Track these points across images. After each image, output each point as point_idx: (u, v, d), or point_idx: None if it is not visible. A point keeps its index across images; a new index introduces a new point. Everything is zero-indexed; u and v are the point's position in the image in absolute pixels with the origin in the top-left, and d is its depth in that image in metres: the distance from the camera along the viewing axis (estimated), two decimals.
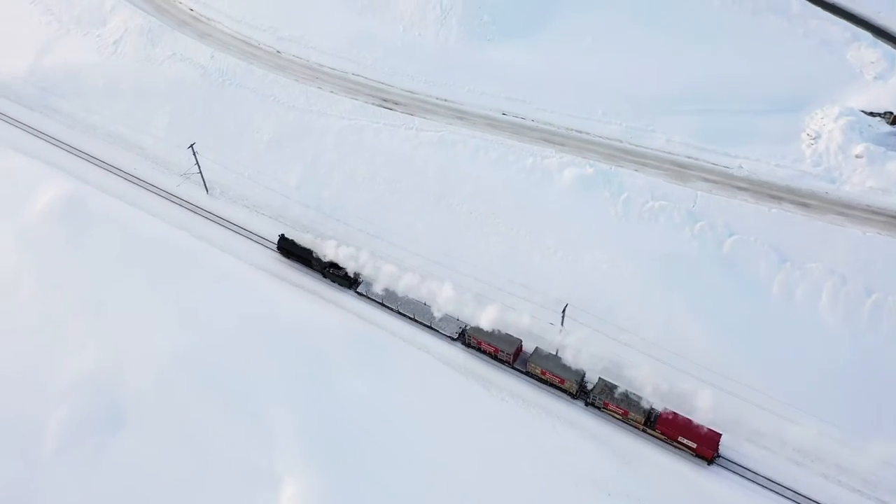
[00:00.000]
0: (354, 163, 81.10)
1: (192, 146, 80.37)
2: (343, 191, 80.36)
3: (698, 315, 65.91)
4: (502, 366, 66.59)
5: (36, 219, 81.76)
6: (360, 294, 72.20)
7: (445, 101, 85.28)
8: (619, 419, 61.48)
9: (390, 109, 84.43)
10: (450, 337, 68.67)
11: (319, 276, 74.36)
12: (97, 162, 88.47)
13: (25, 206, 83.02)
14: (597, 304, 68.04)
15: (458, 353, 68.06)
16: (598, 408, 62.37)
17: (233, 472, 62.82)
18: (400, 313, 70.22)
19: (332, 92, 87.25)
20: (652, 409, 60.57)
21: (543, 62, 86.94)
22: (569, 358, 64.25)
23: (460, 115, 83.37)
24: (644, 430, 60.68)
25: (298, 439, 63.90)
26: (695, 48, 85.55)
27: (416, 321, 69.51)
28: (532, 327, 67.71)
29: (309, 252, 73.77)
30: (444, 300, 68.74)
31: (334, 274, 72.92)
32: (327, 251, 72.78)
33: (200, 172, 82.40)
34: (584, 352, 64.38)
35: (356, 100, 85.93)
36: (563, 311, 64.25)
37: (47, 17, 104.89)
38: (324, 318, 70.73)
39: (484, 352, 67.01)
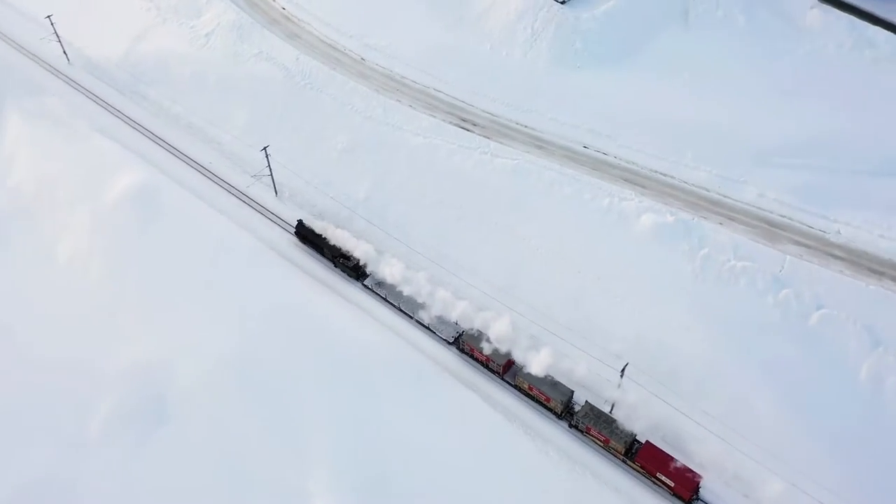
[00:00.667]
0: (424, 182, 78.96)
1: (265, 149, 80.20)
2: (410, 209, 78.38)
3: (772, 392, 60.33)
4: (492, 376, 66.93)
5: (111, 204, 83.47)
6: (366, 287, 73.71)
7: (525, 127, 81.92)
8: (600, 445, 60.71)
9: (467, 130, 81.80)
10: (445, 340, 68.50)
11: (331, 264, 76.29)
12: (175, 152, 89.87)
13: (103, 190, 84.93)
14: (659, 363, 63.47)
15: (506, 396, 65.08)
16: (582, 431, 61.30)
17: (265, 484, 62.17)
18: (401, 310, 71.39)
19: (410, 106, 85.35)
20: (635, 440, 59.29)
21: (633, 95, 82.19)
22: (622, 417, 60.26)
23: (539, 144, 79.81)
24: (624, 461, 59.55)
25: (333, 460, 62.57)
26: (803, 97, 78.71)
27: (413, 319, 70.55)
28: (586, 378, 64.05)
29: (321, 239, 75.50)
30: (498, 334, 65.78)
31: (343, 265, 74.45)
32: (340, 242, 74.74)
33: (271, 175, 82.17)
34: (641, 415, 60.17)
35: (434, 117, 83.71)
36: (623, 369, 60.11)
37: (148, 3, 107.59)
38: (372, 337, 69.05)
39: (476, 359, 67.17)
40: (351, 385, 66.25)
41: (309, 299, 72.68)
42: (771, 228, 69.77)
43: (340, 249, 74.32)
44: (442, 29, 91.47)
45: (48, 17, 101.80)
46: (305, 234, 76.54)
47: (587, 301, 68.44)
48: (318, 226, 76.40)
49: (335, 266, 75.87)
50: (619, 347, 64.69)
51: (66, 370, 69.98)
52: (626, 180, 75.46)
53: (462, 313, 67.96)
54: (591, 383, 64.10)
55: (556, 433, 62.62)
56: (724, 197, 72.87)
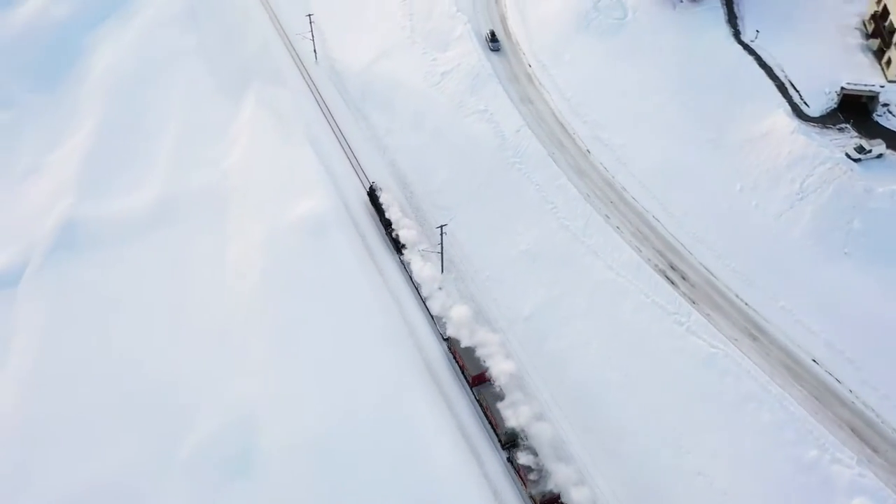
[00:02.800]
0: (596, 327, 66.16)
1: (441, 227, 73.01)
2: (569, 352, 66.25)
3: None
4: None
5: (287, 224, 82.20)
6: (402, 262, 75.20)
7: (746, 304, 64.82)
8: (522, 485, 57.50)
9: (671, 284, 66.90)
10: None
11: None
12: (365, 186, 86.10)
13: (288, 207, 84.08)
14: None
15: None
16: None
17: None
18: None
19: (617, 228, 72.19)
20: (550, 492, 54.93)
21: None
22: None
23: (754, 335, 62.62)
24: None
25: None
26: None
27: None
28: None
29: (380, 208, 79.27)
30: None
31: (388, 234, 77.14)
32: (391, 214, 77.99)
33: (441, 252, 74.79)
34: None
35: (638, 251, 69.84)
36: None
37: (405, 21, 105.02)
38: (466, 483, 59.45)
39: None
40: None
41: (419, 412, 64.54)
42: None
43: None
44: (690, 144, 76.04)
45: (309, 15, 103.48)
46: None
47: None
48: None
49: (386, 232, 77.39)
50: None
51: (174, 383, 69.70)
52: (853, 430, 56.09)
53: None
54: None
55: None
56: None
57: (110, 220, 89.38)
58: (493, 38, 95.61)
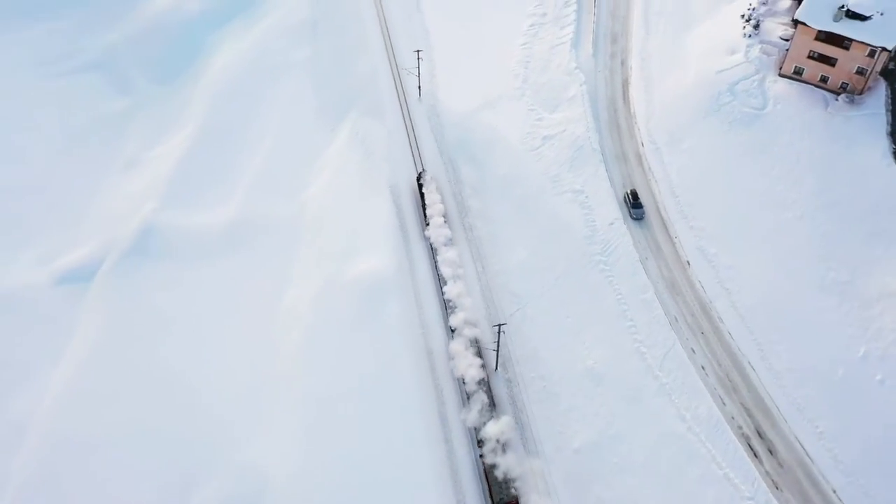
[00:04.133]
0: (650, 489, 55.84)
1: (499, 326, 65.36)
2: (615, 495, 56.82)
3: None
4: None
5: (346, 280, 77.01)
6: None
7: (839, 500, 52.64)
8: None
9: (754, 456, 55.56)
10: None
11: None
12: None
13: (350, 260, 79.01)
14: None
15: None
16: None
17: None
18: None
19: (701, 368, 61.36)
20: None
21: None
22: None
23: None
24: None
25: None
26: None
27: None
28: None
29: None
30: None
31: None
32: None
33: (497, 350, 66.97)
34: None
35: (722, 404, 58.81)
36: None
37: (520, 69, 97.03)
38: None
39: None
40: None
41: None
42: None
43: None
44: (812, 283, 63.24)
45: (417, 51, 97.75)
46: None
47: None
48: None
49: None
50: None
51: (197, 428, 67.03)
52: None
53: None
54: None
55: None
56: None
57: (185, 234, 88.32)
58: (634, 199, 75.45)
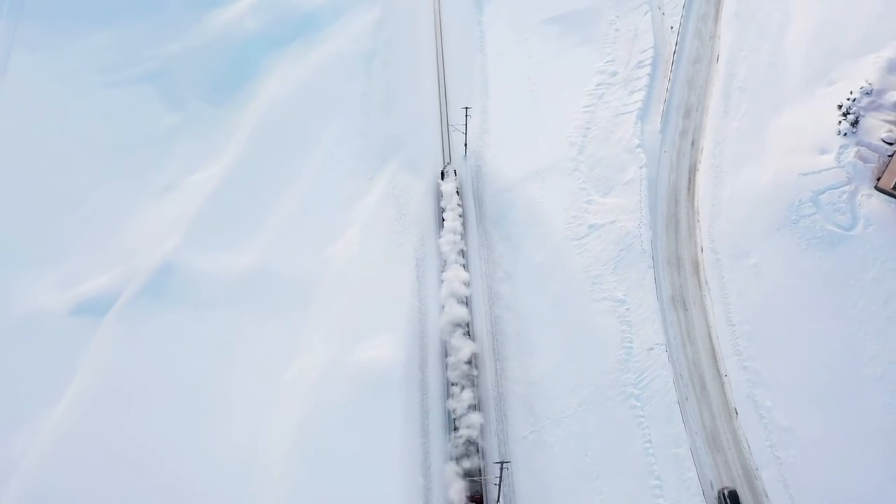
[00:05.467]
0: None
1: (502, 464, 57.12)
2: None
3: None
4: None
5: (351, 366, 70.68)
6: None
7: None
8: None
9: None
10: None
11: None
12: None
13: (358, 345, 72.58)
14: None
15: None
16: None
17: None
18: None
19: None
20: None
21: None
22: None
23: None
24: None
25: None
26: None
27: None
28: None
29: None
30: None
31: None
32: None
33: (500, 486, 58.73)
34: None
35: None
36: None
37: (577, 136, 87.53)
38: None
39: None
40: None
41: None
42: None
43: None
44: (890, 479, 52.12)
45: (465, 108, 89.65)
46: None
47: None
48: None
49: None
50: None
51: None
52: None
53: None
54: None
55: None
56: None
57: (202, 277, 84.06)
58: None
